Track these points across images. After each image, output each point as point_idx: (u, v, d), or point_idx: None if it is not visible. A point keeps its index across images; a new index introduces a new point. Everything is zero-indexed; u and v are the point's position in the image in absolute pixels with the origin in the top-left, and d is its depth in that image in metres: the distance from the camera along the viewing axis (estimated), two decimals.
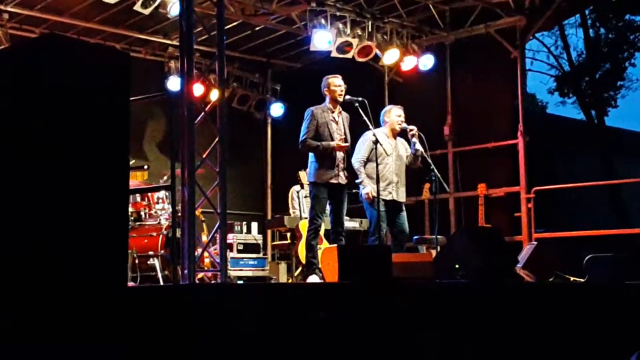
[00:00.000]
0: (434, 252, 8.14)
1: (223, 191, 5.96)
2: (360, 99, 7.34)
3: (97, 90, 4.16)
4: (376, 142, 7.26)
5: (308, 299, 4.64)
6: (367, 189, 7.41)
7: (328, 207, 7.41)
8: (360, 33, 10.04)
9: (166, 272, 7.91)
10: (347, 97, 7.37)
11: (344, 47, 10.01)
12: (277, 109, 11.98)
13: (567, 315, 5.87)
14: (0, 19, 9.53)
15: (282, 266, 9.87)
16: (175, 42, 10.67)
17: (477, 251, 5.90)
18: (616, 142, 19.53)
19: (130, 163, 6.49)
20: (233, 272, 9.29)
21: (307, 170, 7.52)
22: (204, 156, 6.03)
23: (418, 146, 7.66)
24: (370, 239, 7.48)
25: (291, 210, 9.56)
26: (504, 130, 10.41)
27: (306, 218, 8.09)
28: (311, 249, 7.27)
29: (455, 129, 10.85)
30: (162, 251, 7.98)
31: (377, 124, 7.66)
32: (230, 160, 6.27)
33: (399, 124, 7.72)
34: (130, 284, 7.20)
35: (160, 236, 8.04)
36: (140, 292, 4.84)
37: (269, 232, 11.17)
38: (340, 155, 7.34)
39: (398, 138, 7.81)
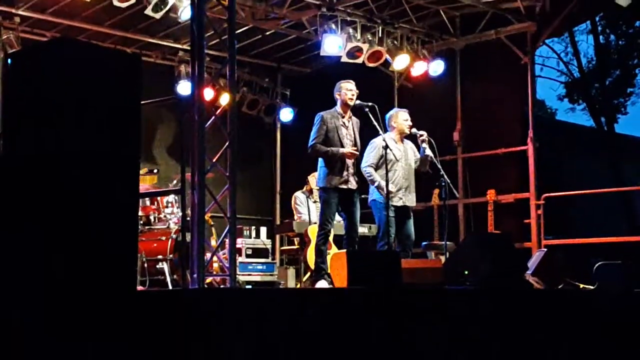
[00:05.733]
0: (443, 258, 8.12)
1: (233, 195, 5.95)
2: (370, 104, 7.33)
3: (108, 93, 4.17)
4: (386, 147, 7.25)
5: (316, 305, 4.63)
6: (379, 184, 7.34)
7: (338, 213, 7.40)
8: (370, 38, 10.04)
9: (175, 277, 7.91)
10: (358, 102, 7.36)
11: (354, 52, 10.01)
12: (286, 114, 11.97)
13: (576, 322, 5.85)
14: (12, 22, 9.55)
15: (291, 271, 9.84)
16: (186, 47, 10.72)
17: (487, 257, 5.88)
18: (626, 148, 19.50)
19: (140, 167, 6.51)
20: (242, 277, 9.29)
21: (317, 175, 7.51)
22: (214, 160, 6.03)
23: (428, 151, 7.63)
24: (379, 244, 7.46)
25: (296, 217, 9.56)
26: (514, 137, 10.38)
27: (315, 223, 8.07)
28: (320, 254, 7.26)
29: (464, 135, 10.84)
30: (171, 255, 7.97)
31: (385, 129, 7.65)
32: (240, 165, 6.26)
33: (409, 128, 7.70)
34: (139, 287, 7.21)
35: (170, 240, 8.04)
36: (149, 296, 4.84)
37: (278, 237, 11.16)
38: (349, 159, 7.33)
39: (406, 142, 7.78)
